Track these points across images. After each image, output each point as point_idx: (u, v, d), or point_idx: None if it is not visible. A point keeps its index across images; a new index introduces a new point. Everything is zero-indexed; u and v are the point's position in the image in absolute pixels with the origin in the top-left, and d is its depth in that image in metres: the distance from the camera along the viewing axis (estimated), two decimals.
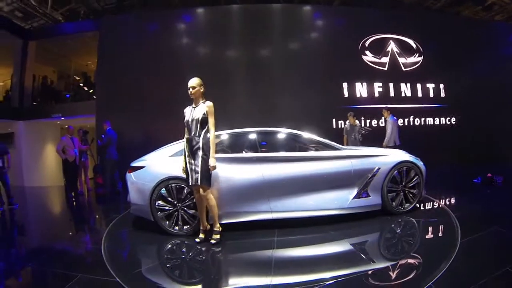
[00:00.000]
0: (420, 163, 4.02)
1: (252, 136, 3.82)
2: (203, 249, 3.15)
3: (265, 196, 3.48)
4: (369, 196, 3.70)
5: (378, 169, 3.73)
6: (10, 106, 9.63)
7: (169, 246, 3.33)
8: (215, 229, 3.22)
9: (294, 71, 8.11)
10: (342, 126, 7.63)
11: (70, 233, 4.56)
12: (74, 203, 6.50)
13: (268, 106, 7.79)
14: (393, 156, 3.96)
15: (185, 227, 3.49)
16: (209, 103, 3.19)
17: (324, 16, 8.60)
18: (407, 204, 3.88)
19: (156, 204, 3.46)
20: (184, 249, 3.26)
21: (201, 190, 3.10)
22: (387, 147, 6.28)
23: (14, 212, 5.78)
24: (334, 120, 8.16)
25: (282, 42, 8.13)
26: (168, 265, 2.96)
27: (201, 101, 3.21)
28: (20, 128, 9.43)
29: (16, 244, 4.25)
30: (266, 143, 3.87)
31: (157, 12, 8.20)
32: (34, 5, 9.49)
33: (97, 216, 5.63)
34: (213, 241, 3.16)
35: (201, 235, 3.27)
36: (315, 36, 8.45)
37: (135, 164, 3.85)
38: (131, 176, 3.73)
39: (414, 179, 3.89)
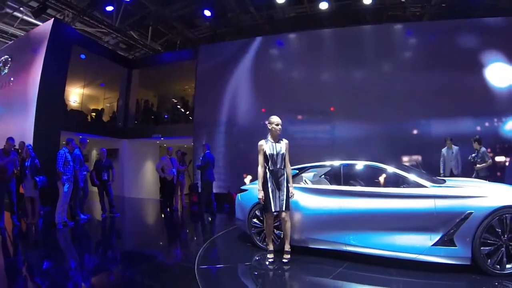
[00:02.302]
0: None
1: (336, 169, 4.00)
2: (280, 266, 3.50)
3: (341, 228, 3.61)
4: (455, 246, 3.03)
5: (470, 213, 2.99)
6: (116, 125, 11.07)
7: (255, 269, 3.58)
8: (287, 249, 3.56)
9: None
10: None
11: (163, 247, 4.79)
12: (170, 218, 6.95)
13: (370, 132, 7.37)
14: (495, 198, 3.04)
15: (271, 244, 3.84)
16: (287, 141, 3.71)
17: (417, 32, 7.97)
18: (510, 265, 2.92)
19: (252, 221, 4.12)
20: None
21: (284, 215, 3.50)
22: None
23: (114, 220, 6.47)
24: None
25: (382, 62, 7.73)
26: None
27: (281, 138, 3.68)
28: (124, 145, 10.71)
29: (112, 249, 4.72)
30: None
31: (249, 39, 8.62)
32: (136, 38, 10.94)
33: (191, 235, 5.85)
34: (285, 260, 3.52)
35: (271, 255, 3.62)
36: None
37: (243, 187, 4.57)
38: (239, 197, 4.48)
39: None
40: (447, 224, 3.06)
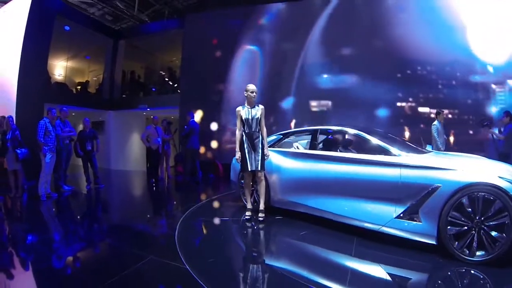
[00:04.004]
0: None
1: (313, 134, 4.04)
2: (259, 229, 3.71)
3: (306, 191, 3.74)
4: (420, 221, 2.79)
5: (437, 187, 2.71)
6: (101, 97, 10.84)
7: (236, 232, 3.83)
8: (261, 208, 3.84)
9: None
10: None
11: (147, 216, 4.82)
12: (154, 188, 6.96)
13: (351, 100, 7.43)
14: (466, 172, 2.70)
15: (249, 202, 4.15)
16: (262, 106, 3.94)
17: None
18: (480, 252, 2.52)
19: (241, 182, 4.41)
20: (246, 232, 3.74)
21: (259, 174, 3.80)
22: None
23: (99, 191, 6.42)
24: None
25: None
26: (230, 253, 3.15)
27: (256, 104, 3.91)
28: (110, 117, 10.55)
29: (97, 220, 4.69)
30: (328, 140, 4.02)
31: (238, 8, 8.40)
32: (122, 8, 10.55)
33: (174, 203, 5.91)
34: (260, 218, 3.79)
35: (249, 213, 3.94)
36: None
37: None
38: (233, 160, 4.55)
39: (500, 216, 2.48)
40: (412, 197, 2.85)
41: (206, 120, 7.75)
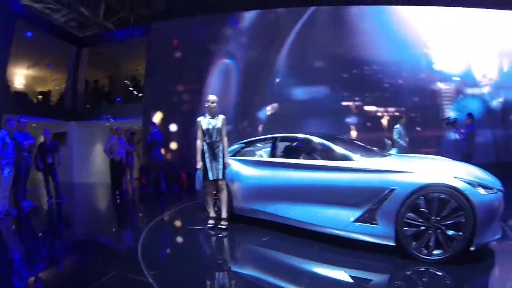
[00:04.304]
0: (474, 193, 2.55)
1: (274, 141, 4.11)
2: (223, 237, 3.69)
3: (267, 199, 3.75)
4: (377, 224, 2.84)
5: (393, 190, 2.76)
6: (63, 107, 10.37)
7: (199, 241, 3.84)
8: (224, 216, 3.85)
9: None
10: None
11: (111, 230, 4.66)
12: (118, 200, 6.72)
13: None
14: (421, 174, 2.75)
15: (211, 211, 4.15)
16: (223, 116, 3.95)
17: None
18: (438, 251, 2.58)
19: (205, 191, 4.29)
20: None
21: (220, 183, 3.84)
22: None
23: (61, 206, 6.09)
24: None
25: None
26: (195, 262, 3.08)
27: (217, 114, 3.92)
28: (72, 128, 10.11)
29: (59, 237, 4.47)
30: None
31: (205, 17, 8.38)
32: (87, 15, 10.24)
33: (138, 215, 5.75)
34: (222, 226, 3.80)
35: (212, 221, 3.95)
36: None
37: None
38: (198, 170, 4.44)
39: (456, 215, 2.54)
40: (369, 200, 2.89)
41: (170, 130, 7.60)
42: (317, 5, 8.21)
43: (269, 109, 7.89)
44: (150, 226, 4.22)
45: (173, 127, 7.65)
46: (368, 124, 7.70)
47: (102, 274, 2.60)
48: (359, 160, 3.16)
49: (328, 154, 3.47)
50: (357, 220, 2.95)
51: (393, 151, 5.76)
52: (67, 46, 10.17)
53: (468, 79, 8.18)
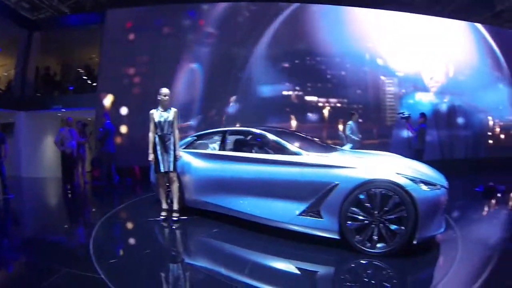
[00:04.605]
0: (416, 189, 2.66)
1: (223, 135, 4.17)
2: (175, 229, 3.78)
3: (216, 191, 3.82)
4: (321, 218, 2.92)
5: (336, 185, 2.85)
6: (12, 96, 9.61)
7: (151, 233, 3.78)
8: (175, 208, 3.93)
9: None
10: None
11: (61, 226, 4.47)
12: (69, 195, 6.42)
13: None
14: (364, 170, 2.84)
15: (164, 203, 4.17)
16: (176, 109, 4.00)
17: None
18: (381, 244, 2.69)
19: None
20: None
21: (172, 175, 3.90)
22: None
23: (8, 202, 5.71)
24: None
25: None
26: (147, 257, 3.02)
27: (169, 107, 3.97)
28: (21, 118, 9.39)
29: (7, 235, 4.19)
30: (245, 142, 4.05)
31: (161, 6, 8.10)
32: None
33: (89, 210, 5.55)
34: (174, 218, 3.89)
35: (164, 213, 4.02)
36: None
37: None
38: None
39: (397, 211, 2.65)
40: (313, 194, 2.96)
41: (124, 122, 7.34)
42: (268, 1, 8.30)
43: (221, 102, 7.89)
44: (103, 221, 4.16)
45: (127, 119, 7.37)
46: (310, 114, 7.99)
47: (53, 272, 2.54)
48: (304, 155, 3.21)
49: (275, 148, 3.56)
50: (302, 213, 3.02)
51: (347, 146, 5.99)
52: (18, 29, 9.38)
53: (415, 81, 8.75)
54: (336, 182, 2.85)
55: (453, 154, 8.96)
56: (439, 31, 9.27)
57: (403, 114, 6.72)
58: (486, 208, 5.06)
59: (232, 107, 7.82)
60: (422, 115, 6.79)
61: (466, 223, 4.07)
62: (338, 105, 8.08)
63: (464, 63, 9.46)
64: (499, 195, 5.52)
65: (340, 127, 7.95)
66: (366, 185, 2.74)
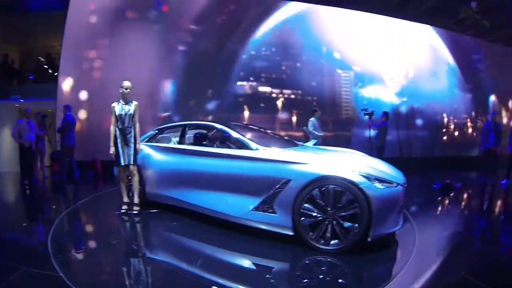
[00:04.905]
0: (370, 186, 2.63)
1: (183, 128, 4.16)
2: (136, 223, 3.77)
3: (175, 185, 3.82)
4: (275, 213, 2.91)
5: (288, 181, 2.84)
6: None
7: (111, 228, 3.76)
8: (135, 201, 3.96)
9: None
10: None
11: (18, 223, 4.26)
12: (28, 191, 6.11)
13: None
14: (316, 166, 2.82)
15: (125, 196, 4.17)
16: (137, 103, 3.99)
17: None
18: (335, 241, 2.68)
19: None
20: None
21: (132, 168, 3.91)
22: None
23: None
24: None
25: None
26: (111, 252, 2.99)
27: (130, 100, 3.96)
28: None
29: None
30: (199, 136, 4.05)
31: None
32: None
33: (49, 206, 5.30)
34: (134, 212, 3.91)
35: (125, 207, 4.01)
36: None
37: None
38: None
39: (350, 208, 2.63)
40: (267, 189, 2.94)
41: (86, 114, 7.03)
42: None
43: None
44: (62, 217, 4.04)
45: (89, 111, 7.07)
46: (262, 104, 8.18)
47: (10, 271, 2.42)
48: (260, 150, 3.19)
49: (232, 142, 3.54)
50: (256, 208, 3.00)
51: (311, 142, 6.11)
52: None
53: (374, 80, 9.14)
54: (289, 178, 2.84)
55: (411, 152, 9.49)
56: (402, 33, 9.72)
57: (367, 110, 6.93)
58: (443, 204, 5.32)
59: (192, 98, 7.77)
60: (385, 113, 7.09)
61: (423, 218, 4.26)
62: (292, 96, 8.30)
63: (423, 66, 10.01)
64: (454, 192, 5.84)
65: (294, 118, 8.14)
66: (319, 182, 2.71)
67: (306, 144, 4.67)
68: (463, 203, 5.49)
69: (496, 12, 11.10)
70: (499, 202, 5.68)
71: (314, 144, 5.20)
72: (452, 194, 5.70)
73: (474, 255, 3.02)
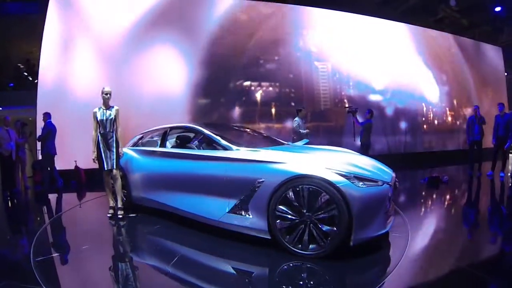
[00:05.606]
0: (348, 185, 2.42)
1: (164, 131, 4.17)
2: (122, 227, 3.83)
3: (156, 188, 3.84)
4: (250, 216, 2.77)
5: (262, 181, 2.69)
6: None
7: (96, 232, 3.77)
8: (119, 206, 4.02)
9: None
10: None
11: (1, 236, 4.10)
12: (9, 203, 5.90)
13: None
14: (290, 165, 2.63)
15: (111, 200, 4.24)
16: (118, 107, 4.07)
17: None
18: (313, 246, 2.49)
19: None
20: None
21: (115, 172, 3.97)
22: None
23: None
24: None
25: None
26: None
27: (111, 105, 4.02)
28: None
29: None
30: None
31: None
32: None
33: (32, 217, 5.16)
34: (119, 216, 3.96)
35: (111, 211, 4.10)
36: None
37: None
38: None
39: (328, 210, 2.43)
40: (241, 191, 2.81)
41: (67, 122, 6.84)
42: None
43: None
44: (45, 227, 3.96)
45: (70, 119, 6.88)
46: (244, 98, 8.31)
47: None
48: (234, 150, 3.08)
49: (209, 143, 3.49)
50: (231, 211, 2.89)
51: (301, 142, 6.10)
52: None
53: (358, 79, 9.27)
54: (262, 179, 2.68)
55: (395, 149, 9.69)
56: (384, 32, 9.90)
57: (350, 108, 7.05)
58: (431, 197, 5.46)
59: (172, 95, 7.70)
60: (369, 111, 7.19)
61: (413, 211, 4.40)
62: (270, 88, 8.41)
63: (405, 64, 10.22)
64: (442, 185, 6.06)
65: (273, 110, 8.39)
66: (293, 181, 2.52)
67: (296, 143, 4.65)
68: (450, 195, 5.64)
69: (474, 11, 11.44)
70: (486, 193, 5.89)
71: (305, 144, 5.20)
72: (439, 187, 5.88)
73: (468, 246, 3.13)
